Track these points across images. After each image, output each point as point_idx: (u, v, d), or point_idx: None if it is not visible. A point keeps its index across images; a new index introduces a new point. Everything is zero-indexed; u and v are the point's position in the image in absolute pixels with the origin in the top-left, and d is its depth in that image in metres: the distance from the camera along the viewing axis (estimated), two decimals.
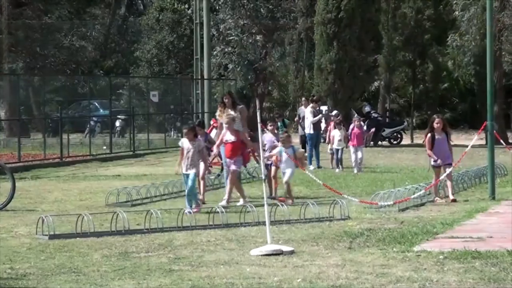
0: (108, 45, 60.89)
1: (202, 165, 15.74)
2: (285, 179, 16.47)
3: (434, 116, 17.29)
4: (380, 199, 15.44)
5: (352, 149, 23.46)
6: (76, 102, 42.71)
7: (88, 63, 55.49)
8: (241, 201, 15.96)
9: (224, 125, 16.30)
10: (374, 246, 11.15)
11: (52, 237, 12.27)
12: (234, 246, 11.45)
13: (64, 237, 12.32)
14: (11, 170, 17.14)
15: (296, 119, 26.57)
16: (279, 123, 25.77)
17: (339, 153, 23.78)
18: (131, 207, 16.12)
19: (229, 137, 16.06)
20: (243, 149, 16.32)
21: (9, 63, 43.36)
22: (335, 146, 23.82)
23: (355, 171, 22.99)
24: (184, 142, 15.13)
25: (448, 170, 16.64)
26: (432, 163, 16.84)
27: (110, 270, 9.85)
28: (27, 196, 17.79)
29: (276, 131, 18.36)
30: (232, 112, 16.60)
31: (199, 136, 15.81)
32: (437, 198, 16.59)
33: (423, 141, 17.62)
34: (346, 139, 23.71)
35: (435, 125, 16.77)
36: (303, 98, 27.90)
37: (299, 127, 27.05)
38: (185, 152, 15.02)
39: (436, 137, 16.78)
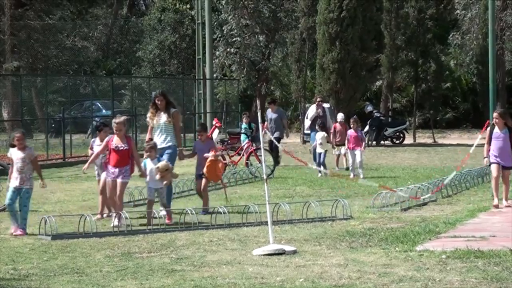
0: (110, 45, 60.94)
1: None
2: (148, 197, 14.18)
3: (495, 111, 15.96)
4: (382, 199, 15.45)
5: (349, 152, 22.06)
6: (78, 103, 42.71)
7: (91, 64, 55.55)
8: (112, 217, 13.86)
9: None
10: (377, 246, 11.15)
11: (55, 237, 12.29)
12: (236, 246, 11.45)
13: (66, 238, 12.34)
14: None
15: (266, 123, 25.38)
16: (243, 126, 25.29)
17: (322, 156, 22.02)
18: (134, 207, 16.14)
19: (119, 144, 13.78)
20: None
21: (11, 64, 43.37)
22: (317, 149, 22.16)
23: (351, 175, 21.41)
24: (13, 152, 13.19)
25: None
26: (485, 161, 15.62)
27: (113, 271, 9.86)
28: None
29: (203, 139, 15.75)
30: (164, 116, 14.88)
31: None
32: (498, 202, 15.12)
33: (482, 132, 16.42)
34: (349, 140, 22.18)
35: (495, 121, 15.42)
36: (269, 101, 26.61)
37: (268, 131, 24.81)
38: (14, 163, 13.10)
39: (495, 132, 15.40)
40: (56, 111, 38.14)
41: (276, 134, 24.40)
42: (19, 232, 12.74)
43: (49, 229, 12.48)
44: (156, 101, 14.86)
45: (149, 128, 15.06)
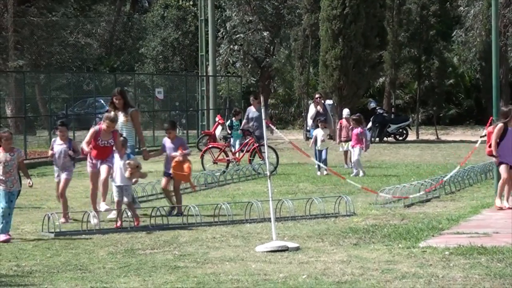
0: (114, 42, 60.94)
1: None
2: (115, 197, 13.51)
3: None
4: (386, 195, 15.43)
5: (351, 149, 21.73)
6: (81, 100, 42.73)
7: (94, 61, 55.56)
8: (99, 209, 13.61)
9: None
10: (380, 242, 11.15)
11: (58, 234, 12.30)
12: (239, 243, 11.45)
13: (69, 234, 12.35)
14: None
15: (244, 121, 23.80)
16: (235, 123, 24.92)
17: (323, 154, 21.53)
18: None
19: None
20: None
21: (14, 61, 43.39)
22: (318, 147, 21.61)
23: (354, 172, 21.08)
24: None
25: None
26: (495, 161, 14.76)
27: (116, 267, 9.87)
28: (33, 193, 17.79)
29: (171, 137, 14.96)
30: (122, 116, 14.53)
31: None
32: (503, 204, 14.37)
33: (485, 132, 15.60)
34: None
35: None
36: (251, 97, 25.11)
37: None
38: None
39: (510, 129, 14.50)
40: (59, 108, 38.24)
41: (257, 133, 23.30)
42: (7, 237, 11.99)
43: (52, 226, 12.49)
44: (114, 100, 14.53)
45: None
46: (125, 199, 13.17)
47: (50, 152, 14.18)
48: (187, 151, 14.65)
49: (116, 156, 13.46)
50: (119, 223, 13.03)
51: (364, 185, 18.81)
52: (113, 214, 13.61)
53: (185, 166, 14.46)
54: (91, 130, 13.88)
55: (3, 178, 12.12)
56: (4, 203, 12.10)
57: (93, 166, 13.81)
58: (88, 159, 13.90)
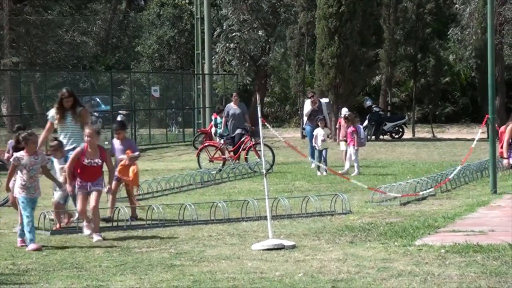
0: (109, 40, 60.91)
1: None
2: (55, 198, 12.92)
3: None
4: (381, 193, 15.44)
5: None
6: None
7: (89, 59, 55.51)
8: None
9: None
10: (376, 240, 11.15)
11: (54, 232, 12.29)
12: (235, 241, 11.46)
13: (65, 233, 12.34)
14: None
15: (223, 119, 23.64)
16: (218, 120, 24.70)
17: (324, 154, 21.37)
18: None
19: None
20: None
21: (10, 59, 43.33)
22: (318, 147, 21.41)
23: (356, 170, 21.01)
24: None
25: None
26: (505, 162, 14.66)
27: (112, 266, 9.86)
28: None
29: (121, 138, 14.14)
30: (70, 116, 13.35)
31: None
32: None
33: (500, 131, 15.21)
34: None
35: None
36: (234, 94, 24.71)
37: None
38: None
39: None
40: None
41: (238, 131, 23.13)
42: (38, 245, 11.12)
43: (48, 224, 12.48)
44: (63, 100, 13.47)
45: (49, 126, 13.64)
46: (54, 198, 12.78)
47: (6, 155, 13.27)
48: (136, 153, 13.92)
49: (55, 160, 12.88)
50: (58, 225, 12.60)
51: (359, 182, 18.84)
52: (87, 230, 12.13)
53: (131, 169, 13.77)
54: (75, 151, 12.23)
55: (26, 184, 11.19)
56: (30, 210, 11.21)
57: (82, 187, 12.03)
58: (77, 180, 12.09)
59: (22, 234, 11.38)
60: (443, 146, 32.06)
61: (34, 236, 11.16)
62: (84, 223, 12.13)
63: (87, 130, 12.10)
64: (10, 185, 11.69)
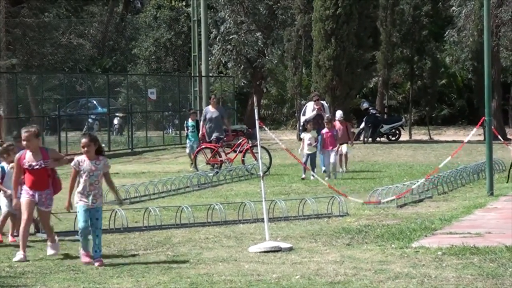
0: (106, 43, 60.86)
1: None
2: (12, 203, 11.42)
3: None
4: (378, 196, 15.45)
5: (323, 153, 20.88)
6: (74, 100, 42.69)
7: (86, 61, 55.46)
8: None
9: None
10: (373, 243, 11.16)
11: None
12: (232, 243, 11.45)
13: (62, 235, 12.32)
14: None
15: (201, 122, 23.35)
16: (190, 123, 24.39)
17: (312, 158, 20.74)
18: (130, 204, 16.12)
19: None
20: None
21: (7, 62, 43.28)
22: (305, 151, 20.79)
23: (326, 177, 20.27)
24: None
25: None
26: None
27: (109, 268, 9.85)
28: None
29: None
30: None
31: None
32: None
33: None
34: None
35: None
36: (212, 96, 24.32)
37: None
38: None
39: None
40: (51, 109, 38.11)
41: (216, 135, 22.96)
42: (100, 262, 10.13)
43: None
44: None
45: None
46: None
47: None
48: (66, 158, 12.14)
49: (5, 164, 12.09)
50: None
51: (356, 185, 18.84)
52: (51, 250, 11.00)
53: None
54: (17, 155, 11.01)
55: (84, 192, 10.35)
56: (83, 222, 10.25)
57: (30, 196, 10.80)
58: (24, 188, 10.85)
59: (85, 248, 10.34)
60: (439, 148, 32.06)
61: (86, 245, 10.29)
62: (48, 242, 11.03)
63: (23, 134, 10.83)
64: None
